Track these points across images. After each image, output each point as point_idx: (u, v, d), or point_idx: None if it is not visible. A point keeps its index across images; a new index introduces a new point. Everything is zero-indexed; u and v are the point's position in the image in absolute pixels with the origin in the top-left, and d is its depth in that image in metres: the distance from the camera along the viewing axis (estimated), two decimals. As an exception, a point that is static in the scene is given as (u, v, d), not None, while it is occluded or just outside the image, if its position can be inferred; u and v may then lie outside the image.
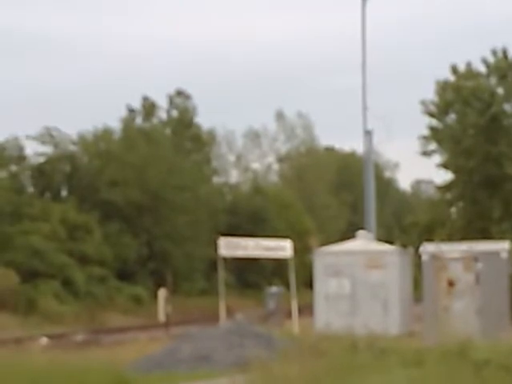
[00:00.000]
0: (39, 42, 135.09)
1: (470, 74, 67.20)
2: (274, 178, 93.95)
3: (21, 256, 58.47)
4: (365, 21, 53.92)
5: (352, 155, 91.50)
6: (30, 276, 59.38)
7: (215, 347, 26.48)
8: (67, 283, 61.39)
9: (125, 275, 67.67)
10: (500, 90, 66.97)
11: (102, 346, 33.39)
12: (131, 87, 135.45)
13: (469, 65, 67.28)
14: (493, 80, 67.43)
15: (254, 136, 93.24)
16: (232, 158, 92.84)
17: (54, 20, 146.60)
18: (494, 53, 67.21)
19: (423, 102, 67.42)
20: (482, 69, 67.44)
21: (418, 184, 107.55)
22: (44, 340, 32.72)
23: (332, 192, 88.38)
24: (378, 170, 62.66)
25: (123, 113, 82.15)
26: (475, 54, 68.58)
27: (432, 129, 67.81)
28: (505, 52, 66.77)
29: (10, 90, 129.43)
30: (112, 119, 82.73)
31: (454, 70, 67.34)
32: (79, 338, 37.70)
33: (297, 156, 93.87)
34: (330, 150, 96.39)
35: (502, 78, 67.09)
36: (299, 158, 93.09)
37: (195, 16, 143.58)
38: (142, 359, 25.54)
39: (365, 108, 52.15)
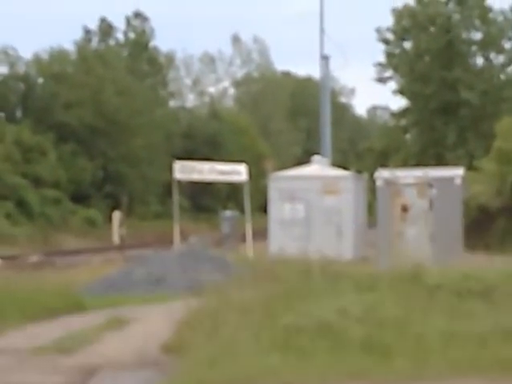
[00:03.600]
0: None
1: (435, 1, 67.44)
2: (229, 102, 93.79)
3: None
4: None
5: (308, 80, 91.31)
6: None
7: (169, 270, 26.58)
8: (21, 205, 61.24)
9: (79, 198, 67.65)
10: (457, 16, 67.19)
11: (56, 268, 33.32)
12: (88, 8, 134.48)
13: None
14: (451, 6, 67.59)
15: (209, 60, 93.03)
16: (188, 81, 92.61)
17: None
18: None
19: (379, 30, 67.72)
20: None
21: (373, 110, 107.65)
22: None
23: (287, 117, 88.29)
24: (334, 96, 62.74)
25: (79, 34, 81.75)
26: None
27: (388, 55, 68.16)
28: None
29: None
30: (68, 41, 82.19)
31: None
32: (33, 259, 37.62)
33: (252, 81, 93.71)
34: (285, 75, 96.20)
35: (460, 3, 67.38)
36: (255, 83, 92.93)
37: None
38: (96, 281, 25.60)
39: (322, 32, 52.03)
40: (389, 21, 67.83)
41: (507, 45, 67.96)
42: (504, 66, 68.12)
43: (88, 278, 26.44)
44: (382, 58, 68.67)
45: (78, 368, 13.52)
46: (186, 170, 40.55)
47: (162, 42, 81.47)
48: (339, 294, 17.19)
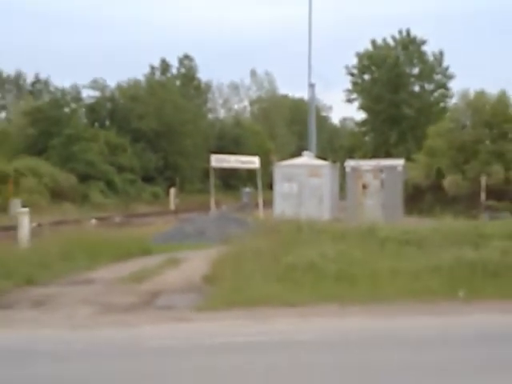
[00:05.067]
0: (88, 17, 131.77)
1: (384, 46, 67.60)
2: (248, 115, 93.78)
3: (79, 165, 58.26)
4: (311, 10, 52.77)
5: (301, 100, 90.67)
6: (84, 178, 59.18)
7: (208, 227, 26.54)
8: (109, 184, 61.32)
9: (148, 179, 67.53)
10: (402, 57, 67.37)
11: (132, 226, 33.37)
12: (153, 52, 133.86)
13: (384, 39, 67.68)
14: (398, 50, 67.70)
15: (234, 87, 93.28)
16: (220, 101, 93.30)
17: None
18: (400, 32, 67.60)
19: (347, 67, 68.02)
20: (391, 42, 67.77)
21: (344, 121, 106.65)
22: (93, 221, 32.64)
23: (286, 125, 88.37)
24: (318, 111, 62.19)
25: (147, 69, 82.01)
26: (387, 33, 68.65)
27: (353, 84, 68.28)
28: (408, 31, 67.32)
29: (75, 50, 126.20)
30: (140, 74, 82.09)
31: (373, 42, 67.65)
32: (117, 220, 37.67)
33: (263, 101, 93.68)
34: (285, 97, 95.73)
35: (404, 48, 67.62)
36: (265, 102, 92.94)
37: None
38: (159, 235, 25.55)
39: (309, 68, 51.85)
40: (353, 60, 67.94)
41: (436, 77, 67.90)
42: (433, 91, 68.16)
43: (154, 232, 26.47)
44: (349, 86, 68.77)
45: (147, 291, 13.59)
46: (219, 161, 40.53)
47: (203, 74, 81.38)
48: (320, 243, 17.12)
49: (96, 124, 71.34)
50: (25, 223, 21.40)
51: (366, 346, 9.08)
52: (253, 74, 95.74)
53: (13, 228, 22.93)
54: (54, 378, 7.81)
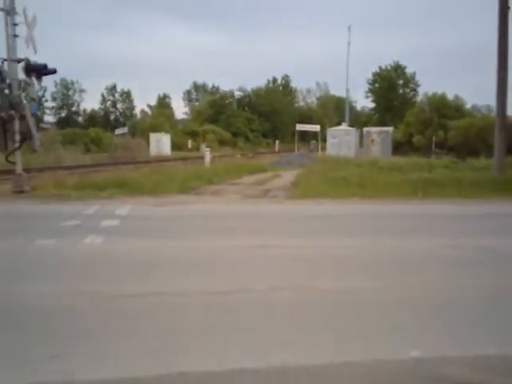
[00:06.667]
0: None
1: (385, 69, 64.28)
2: (314, 105, 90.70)
3: (232, 128, 59.23)
4: (349, 46, 50.57)
5: (341, 97, 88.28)
6: (234, 135, 59.53)
7: (293, 159, 26.31)
8: (246, 137, 61.49)
9: (264, 135, 66.70)
10: (395, 76, 64.18)
11: (257, 158, 33.29)
12: (279, 69, 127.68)
13: (386, 66, 64.55)
14: (393, 72, 64.43)
15: (307, 91, 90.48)
16: (301, 97, 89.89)
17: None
18: (394, 61, 64.55)
19: (367, 79, 65.05)
20: (389, 67, 64.48)
21: (363, 108, 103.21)
22: (239, 156, 32.96)
23: (333, 110, 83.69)
24: (350, 103, 60.32)
25: (265, 81, 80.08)
26: (388, 61, 65.30)
27: (369, 88, 65.35)
28: (397, 62, 64.30)
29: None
30: (261, 83, 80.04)
31: (380, 67, 64.59)
32: (250, 155, 37.71)
33: (322, 97, 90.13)
34: (333, 96, 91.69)
35: (396, 71, 64.35)
36: (323, 98, 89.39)
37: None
38: (271, 162, 25.53)
39: (347, 79, 50.52)
40: (369, 75, 65.08)
41: (411, 85, 64.60)
42: (409, 92, 64.93)
43: (268, 161, 26.46)
44: (366, 89, 66.00)
45: (263, 189, 13.56)
46: (300, 127, 40.12)
47: (293, 83, 78.71)
48: (348, 168, 16.79)
49: (240, 108, 71.16)
50: (207, 156, 21.83)
51: (370, 216, 8.97)
52: (317, 83, 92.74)
53: (201, 158, 23.41)
54: (228, 227, 7.95)
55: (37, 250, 6.02)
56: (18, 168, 12.15)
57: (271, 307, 4.04)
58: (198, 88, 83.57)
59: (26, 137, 12.01)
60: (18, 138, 11.95)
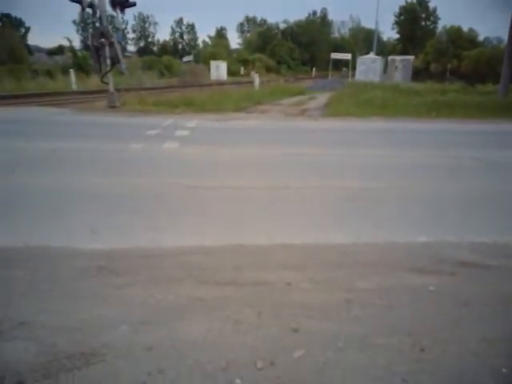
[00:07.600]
0: None
1: (411, 4, 57.00)
2: (347, 36, 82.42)
3: (275, 57, 55.66)
4: None
5: (372, 29, 79.96)
6: (278, 63, 56.32)
7: (327, 84, 24.99)
8: (288, 65, 57.96)
9: (303, 64, 62.76)
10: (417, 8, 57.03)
11: (297, 83, 31.36)
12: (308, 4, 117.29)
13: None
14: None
15: (342, 22, 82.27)
16: (336, 29, 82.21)
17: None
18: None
19: (394, 14, 58.00)
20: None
21: (389, 39, 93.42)
22: (282, 81, 31.39)
23: (363, 40, 76.51)
24: (378, 33, 54.93)
25: (306, 14, 73.95)
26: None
27: (395, 21, 58.69)
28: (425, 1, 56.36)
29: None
30: (302, 16, 73.81)
31: (406, 1, 57.10)
32: (291, 80, 35.89)
33: (354, 29, 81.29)
34: (364, 28, 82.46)
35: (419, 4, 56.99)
36: (355, 30, 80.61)
37: None
38: (308, 86, 24.41)
39: (377, 12, 45.23)
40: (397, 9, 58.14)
41: (432, 18, 57.48)
42: (432, 24, 57.93)
43: (306, 86, 25.24)
44: (393, 21, 59.21)
45: (302, 109, 13.08)
46: (334, 55, 37.47)
47: (331, 15, 70.79)
48: (374, 91, 15.81)
49: (284, 39, 66.31)
50: (256, 80, 20.99)
51: (390, 132, 8.57)
52: (351, 16, 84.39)
53: (251, 82, 22.61)
54: (271, 139, 7.87)
55: (131, 151, 6.30)
56: (111, 87, 12.29)
57: (305, 200, 4.14)
58: (250, 21, 78.25)
59: (115, 61, 11.98)
60: (108, 62, 11.95)
